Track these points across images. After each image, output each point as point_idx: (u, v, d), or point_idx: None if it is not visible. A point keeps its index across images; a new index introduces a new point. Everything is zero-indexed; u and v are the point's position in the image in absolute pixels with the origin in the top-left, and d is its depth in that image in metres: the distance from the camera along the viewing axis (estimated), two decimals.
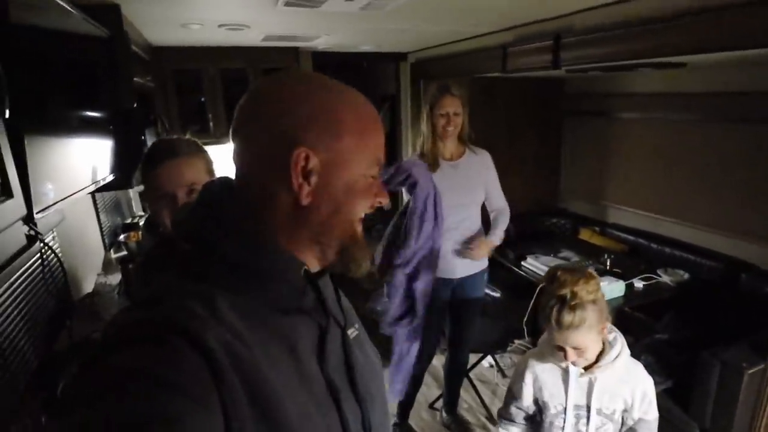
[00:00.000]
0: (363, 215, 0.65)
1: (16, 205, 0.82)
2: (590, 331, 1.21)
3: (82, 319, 1.76)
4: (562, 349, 1.25)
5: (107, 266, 2.40)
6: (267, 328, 0.57)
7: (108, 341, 0.50)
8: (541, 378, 1.39)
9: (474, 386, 2.68)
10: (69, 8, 1.18)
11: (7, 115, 0.80)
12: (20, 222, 0.85)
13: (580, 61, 2.14)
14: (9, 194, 0.80)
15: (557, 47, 2.17)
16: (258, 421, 0.50)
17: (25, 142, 0.90)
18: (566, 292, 1.21)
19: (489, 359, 2.94)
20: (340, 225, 0.62)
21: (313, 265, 0.65)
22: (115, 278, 2.17)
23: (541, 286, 1.33)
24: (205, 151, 1.13)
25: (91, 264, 2.22)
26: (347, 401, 0.63)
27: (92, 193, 2.15)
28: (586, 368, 1.31)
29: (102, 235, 2.47)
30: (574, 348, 1.23)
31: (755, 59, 2.03)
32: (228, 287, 0.56)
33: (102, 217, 2.51)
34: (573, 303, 1.20)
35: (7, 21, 0.84)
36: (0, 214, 0.75)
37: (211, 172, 1.11)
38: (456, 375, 2.44)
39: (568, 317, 1.19)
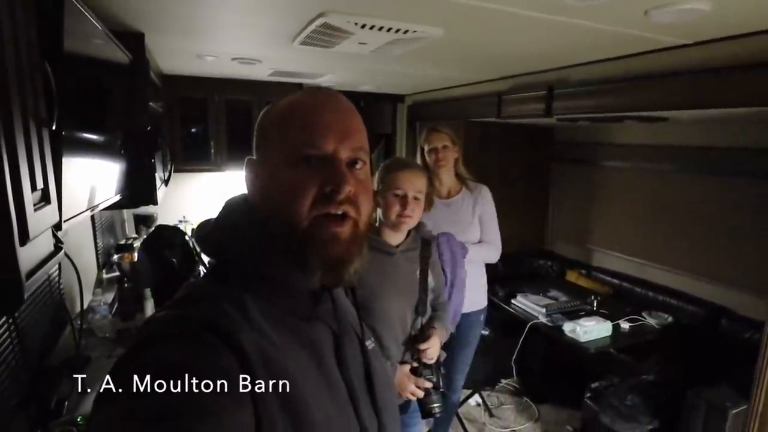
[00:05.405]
0: (316, 212, 0.60)
1: (52, 211, 0.86)
2: None
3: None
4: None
5: (99, 285, 2.39)
6: (292, 332, 0.59)
7: (146, 336, 0.51)
8: None
9: (462, 425, 2.66)
10: (108, 36, 1.26)
11: (54, 127, 0.85)
12: (50, 230, 0.88)
13: (571, 111, 2.28)
14: (48, 200, 0.84)
15: (550, 97, 2.32)
16: (286, 420, 0.52)
17: (63, 153, 0.96)
18: None
19: (476, 398, 2.93)
20: (286, 225, 0.60)
21: None
22: (109, 297, 2.15)
23: None
24: None
25: (86, 282, 2.21)
26: (365, 409, 0.65)
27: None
28: None
29: (97, 254, 2.46)
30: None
31: (731, 117, 2.21)
32: (255, 293, 0.59)
33: (97, 236, 2.51)
34: None
35: (61, 49, 0.92)
36: (40, 219, 0.79)
37: None
38: (446, 413, 2.42)
39: None
